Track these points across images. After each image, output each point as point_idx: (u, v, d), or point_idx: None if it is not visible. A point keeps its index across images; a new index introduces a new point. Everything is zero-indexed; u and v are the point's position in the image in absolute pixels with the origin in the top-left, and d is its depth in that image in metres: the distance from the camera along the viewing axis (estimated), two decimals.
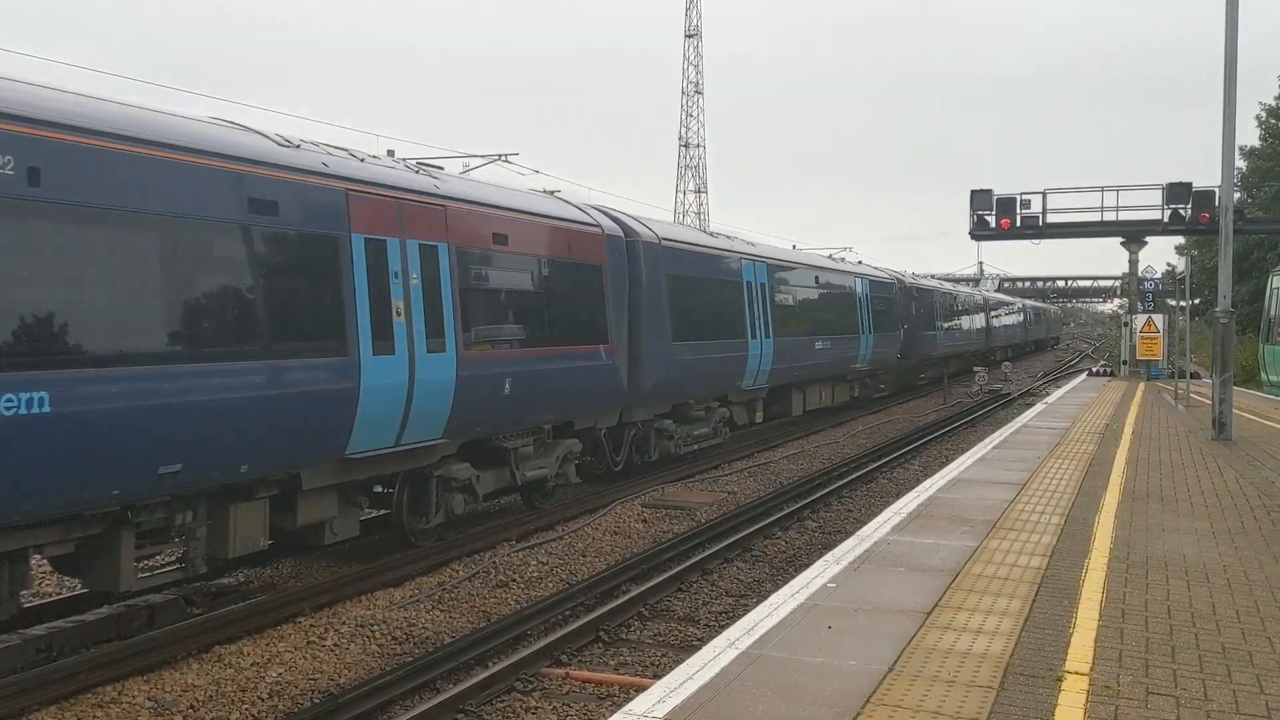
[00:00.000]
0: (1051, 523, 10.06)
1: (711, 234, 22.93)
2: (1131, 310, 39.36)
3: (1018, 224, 35.03)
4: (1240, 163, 45.54)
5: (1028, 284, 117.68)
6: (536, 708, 7.88)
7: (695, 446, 19.80)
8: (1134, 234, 36.58)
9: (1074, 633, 6.51)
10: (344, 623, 9.70)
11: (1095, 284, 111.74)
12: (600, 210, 16.87)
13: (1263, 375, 32.54)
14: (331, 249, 10.20)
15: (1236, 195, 30.75)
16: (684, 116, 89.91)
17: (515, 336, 13.33)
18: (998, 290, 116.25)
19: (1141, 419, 21.50)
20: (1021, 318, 71.23)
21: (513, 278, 13.44)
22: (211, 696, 7.89)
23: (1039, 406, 25.98)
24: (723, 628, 7.94)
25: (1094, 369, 46.97)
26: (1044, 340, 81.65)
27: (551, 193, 16.94)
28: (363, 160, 11.39)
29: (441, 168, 13.87)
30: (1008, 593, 7.47)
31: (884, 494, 16.98)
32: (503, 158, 21.21)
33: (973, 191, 35.25)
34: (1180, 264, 44.49)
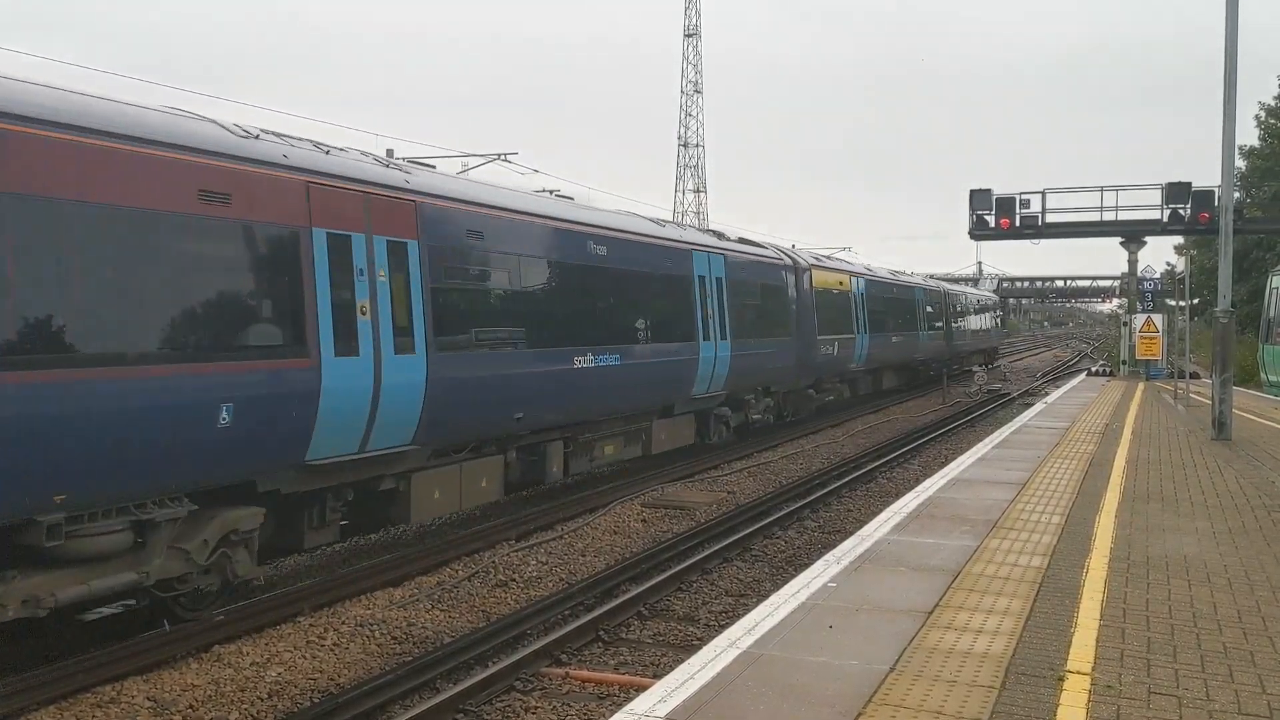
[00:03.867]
0: (1052, 522, 10.05)
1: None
2: (1131, 310, 39.36)
3: (1017, 224, 35.07)
4: (1239, 162, 45.53)
5: (1026, 283, 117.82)
6: (536, 707, 7.86)
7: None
8: (1133, 234, 36.59)
9: (1075, 632, 6.50)
10: (344, 622, 9.68)
11: (1094, 284, 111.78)
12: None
13: (1262, 375, 32.54)
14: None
15: (1236, 195, 30.74)
16: (683, 116, 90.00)
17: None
18: (996, 290, 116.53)
19: (1141, 419, 21.51)
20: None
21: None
22: (211, 696, 7.87)
23: (1038, 406, 25.98)
24: (723, 627, 7.93)
25: (1093, 369, 46.98)
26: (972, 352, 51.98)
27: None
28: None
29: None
30: (1009, 592, 7.46)
31: (884, 494, 16.97)
32: (502, 157, 21.19)
33: (972, 191, 35.28)
34: (1179, 264, 44.52)
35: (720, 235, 22.24)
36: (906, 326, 36.12)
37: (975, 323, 51.75)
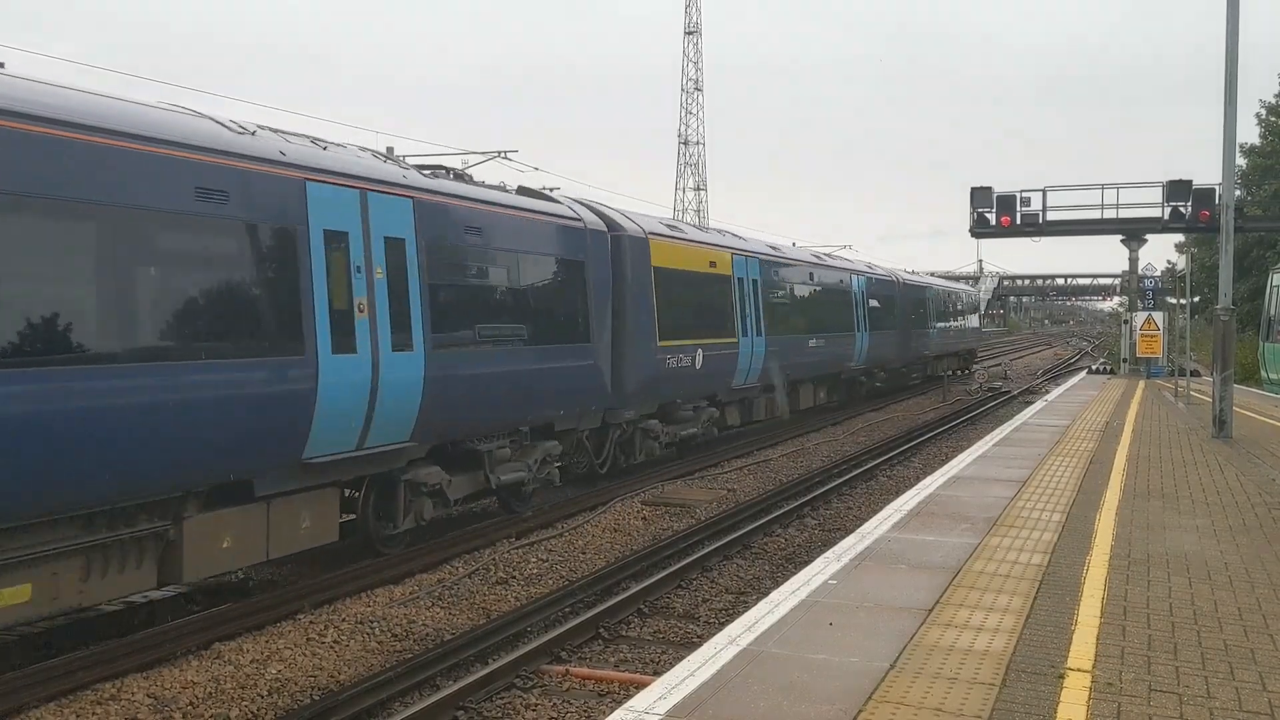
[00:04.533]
0: (1052, 520, 10.05)
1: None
2: (1131, 308, 39.36)
3: (1018, 221, 35.01)
4: (1240, 160, 45.51)
5: (1027, 281, 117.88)
6: (536, 705, 7.86)
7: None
8: (1134, 231, 36.57)
9: (1076, 630, 6.49)
10: (344, 620, 9.68)
11: (1095, 282, 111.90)
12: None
13: (1262, 373, 32.55)
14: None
15: (1236, 193, 30.74)
16: (683, 114, 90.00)
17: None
18: (997, 288, 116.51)
19: (1142, 417, 21.50)
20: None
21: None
22: (211, 694, 7.86)
23: (1039, 404, 25.98)
24: (723, 625, 7.92)
25: (1094, 367, 47.00)
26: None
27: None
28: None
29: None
30: (1009, 590, 7.46)
31: (884, 491, 16.97)
32: (502, 155, 21.18)
33: (973, 189, 35.22)
34: (1180, 262, 44.51)
35: (459, 175, 13.45)
36: (836, 326, 27.82)
37: (945, 320, 42.42)
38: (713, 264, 19.95)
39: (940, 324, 41.08)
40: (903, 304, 35.25)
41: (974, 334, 51.72)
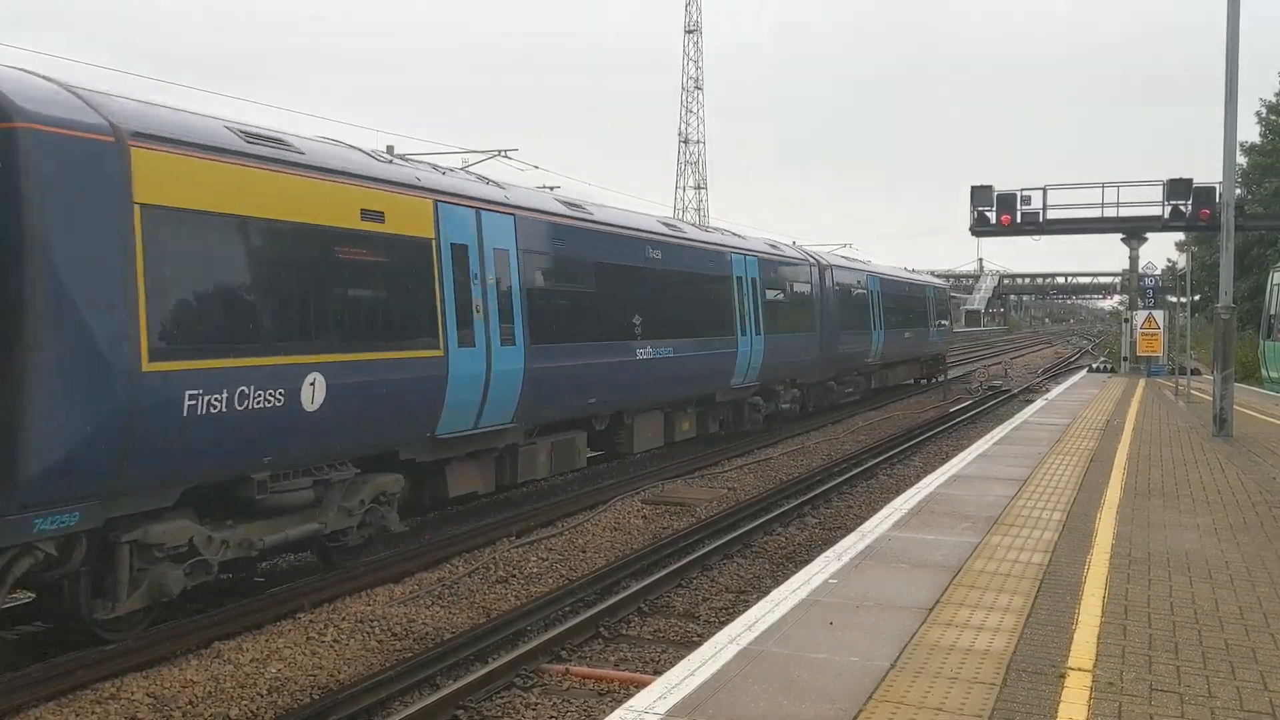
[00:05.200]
0: (1053, 519, 10.04)
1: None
2: (1132, 306, 39.36)
3: (1018, 220, 35.02)
4: (1240, 159, 45.49)
5: (1027, 280, 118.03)
6: (536, 704, 7.85)
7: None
8: (1134, 230, 36.59)
9: (1076, 629, 6.48)
10: (344, 619, 9.67)
11: (1095, 280, 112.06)
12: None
13: (1263, 372, 32.53)
14: None
15: (1237, 191, 30.74)
16: (684, 112, 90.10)
17: None
18: (997, 286, 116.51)
19: (1142, 415, 21.48)
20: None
21: None
22: (210, 693, 7.85)
23: (1039, 403, 25.97)
24: (723, 624, 7.91)
25: (1094, 365, 47.01)
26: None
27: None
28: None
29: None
30: (1010, 589, 7.45)
31: (884, 490, 16.95)
32: (501, 153, 21.25)
33: (973, 188, 35.23)
34: (1181, 260, 44.50)
35: None
36: (701, 328, 19.07)
37: (899, 319, 33.57)
38: (372, 215, 10.72)
39: (891, 323, 32.18)
40: (828, 298, 26.59)
41: (941, 335, 41.26)
